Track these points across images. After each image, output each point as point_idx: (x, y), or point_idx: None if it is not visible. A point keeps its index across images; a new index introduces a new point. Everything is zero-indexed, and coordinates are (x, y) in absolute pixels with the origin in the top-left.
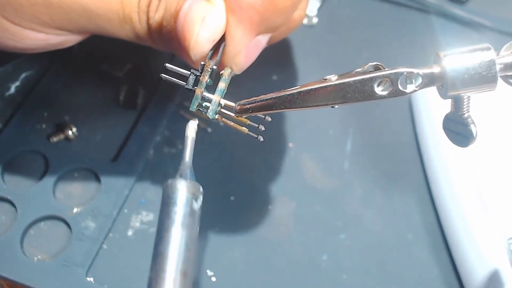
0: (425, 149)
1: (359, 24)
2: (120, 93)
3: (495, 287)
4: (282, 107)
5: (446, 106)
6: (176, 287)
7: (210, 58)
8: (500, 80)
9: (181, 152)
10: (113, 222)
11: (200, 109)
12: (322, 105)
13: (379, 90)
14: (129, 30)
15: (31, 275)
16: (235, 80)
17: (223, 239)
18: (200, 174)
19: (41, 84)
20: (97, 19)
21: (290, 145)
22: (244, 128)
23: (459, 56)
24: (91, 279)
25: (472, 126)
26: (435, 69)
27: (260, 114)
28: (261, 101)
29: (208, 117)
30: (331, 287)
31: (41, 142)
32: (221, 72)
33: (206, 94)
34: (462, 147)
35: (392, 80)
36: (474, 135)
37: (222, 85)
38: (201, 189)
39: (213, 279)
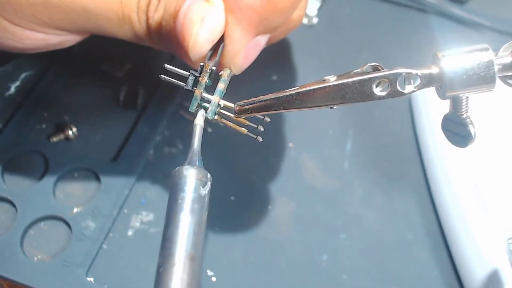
0: (425, 149)
1: (359, 24)
2: (120, 93)
3: (495, 287)
4: (281, 107)
5: (445, 107)
6: (185, 271)
7: (209, 59)
8: (498, 81)
9: (181, 152)
10: (113, 222)
11: (200, 109)
12: (321, 106)
13: (377, 90)
14: (129, 30)
15: (31, 275)
16: (234, 80)
17: (223, 239)
18: None
19: (41, 84)
20: (96, 19)
21: (290, 145)
22: (243, 128)
23: (457, 57)
24: (91, 279)
25: (470, 126)
26: (434, 70)
27: (259, 115)
28: (260, 101)
29: (207, 117)
30: (331, 287)
31: (41, 142)
32: (220, 73)
33: (205, 95)
34: (460, 147)
35: (391, 80)
36: (473, 136)
37: (221, 85)
38: (209, 175)
39: (213, 279)
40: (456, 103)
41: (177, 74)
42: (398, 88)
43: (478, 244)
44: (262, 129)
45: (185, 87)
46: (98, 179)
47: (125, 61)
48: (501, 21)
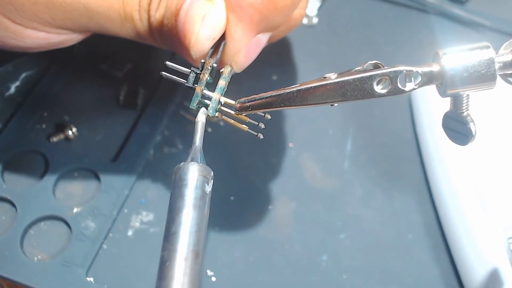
0: (425, 149)
1: (359, 24)
2: (120, 93)
3: (495, 286)
4: (282, 105)
5: (445, 106)
6: (188, 266)
7: (211, 57)
8: (499, 79)
9: (181, 152)
10: (113, 222)
11: (200, 107)
12: (321, 103)
13: (378, 88)
14: (130, 29)
15: (31, 275)
16: (234, 79)
17: (223, 239)
18: None
19: (41, 84)
20: (98, 17)
21: (290, 145)
22: (244, 125)
23: (458, 55)
24: (91, 279)
25: (471, 124)
26: (434, 68)
27: (260, 112)
28: (261, 99)
29: (208, 115)
30: (331, 287)
31: (41, 142)
32: (221, 70)
33: (206, 92)
34: (461, 145)
35: (392, 78)
36: (473, 134)
37: (222, 83)
38: (211, 173)
39: (213, 279)
40: (456, 101)
41: (178, 71)
42: (399, 85)
43: (478, 244)
44: (263, 126)
45: (186, 84)
46: (98, 179)
47: (125, 61)
48: (501, 21)
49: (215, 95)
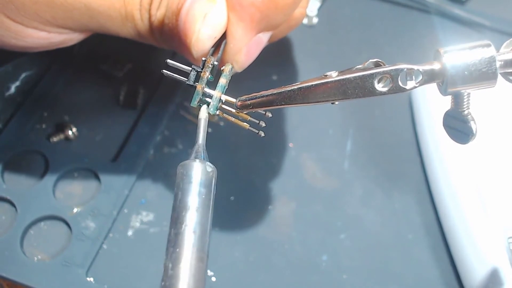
0: (425, 149)
1: (359, 24)
2: (120, 93)
3: (495, 286)
4: (283, 103)
5: (446, 106)
6: (193, 266)
7: (212, 55)
8: (499, 77)
9: (181, 152)
10: (113, 222)
11: (201, 105)
12: (322, 101)
13: (379, 86)
14: (131, 28)
15: (31, 275)
16: (234, 79)
17: (223, 239)
18: None
19: (41, 84)
20: (99, 17)
21: (290, 145)
22: (245, 123)
23: (459, 53)
24: (91, 279)
25: (472, 123)
26: (435, 66)
27: (260, 110)
28: (262, 97)
29: (209, 113)
30: (331, 287)
31: (41, 142)
32: (222, 68)
33: (207, 90)
34: (461, 144)
35: (393, 76)
36: (474, 132)
37: (223, 81)
38: (215, 170)
39: (213, 279)
40: (457, 100)
41: (179, 69)
42: (400, 84)
43: (478, 244)
44: (263, 124)
45: (187, 82)
46: (98, 179)
47: (125, 61)
48: (501, 21)
49: (216, 93)
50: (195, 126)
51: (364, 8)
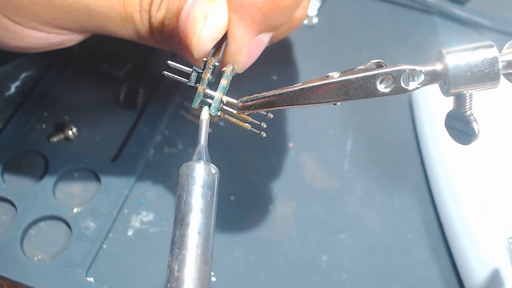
0: (425, 149)
1: (359, 24)
2: (120, 93)
3: (496, 286)
4: (284, 104)
5: (446, 106)
6: (198, 267)
7: (213, 56)
8: (502, 78)
9: (181, 152)
10: (113, 222)
11: (202, 106)
12: (324, 102)
13: (381, 87)
14: (131, 29)
15: (31, 275)
16: (235, 79)
17: (223, 239)
18: None
19: (41, 84)
20: (99, 18)
21: (290, 145)
22: (247, 124)
23: (461, 54)
24: (91, 279)
25: (474, 123)
26: (438, 67)
27: (262, 111)
28: (263, 97)
29: (210, 114)
30: (331, 287)
31: (41, 142)
32: (223, 69)
33: (208, 91)
34: (464, 145)
35: (395, 77)
36: (476, 133)
37: (224, 82)
38: (217, 171)
39: (213, 279)
40: (460, 100)
41: (180, 70)
42: (402, 84)
43: (479, 244)
44: (265, 125)
45: (188, 84)
46: (98, 179)
47: (125, 61)
48: (501, 21)
49: (217, 94)
50: (195, 126)
51: (364, 8)
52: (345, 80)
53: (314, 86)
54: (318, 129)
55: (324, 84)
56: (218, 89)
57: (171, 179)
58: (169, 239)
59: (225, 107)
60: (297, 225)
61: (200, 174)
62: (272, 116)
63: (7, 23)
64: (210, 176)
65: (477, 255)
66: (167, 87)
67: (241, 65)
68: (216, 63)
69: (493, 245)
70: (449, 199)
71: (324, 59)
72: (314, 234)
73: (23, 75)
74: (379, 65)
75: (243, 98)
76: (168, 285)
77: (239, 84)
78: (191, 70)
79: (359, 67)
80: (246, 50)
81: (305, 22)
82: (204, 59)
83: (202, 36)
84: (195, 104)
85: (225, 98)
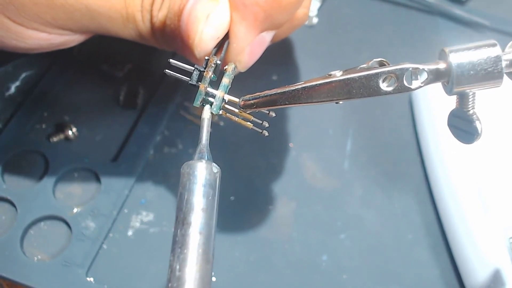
0: (426, 149)
1: (359, 24)
2: (120, 93)
3: (496, 286)
4: (287, 102)
5: (447, 106)
6: (199, 267)
7: (214, 55)
8: (504, 77)
9: (181, 152)
10: (113, 222)
11: (204, 104)
12: (326, 101)
13: (384, 86)
14: (132, 30)
15: (31, 275)
16: (235, 79)
17: (223, 239)
18: None
19: (41, 84)
20: (100, 18)
21: (290, 145)
22: (248, 123)
23: (465, 52)
24: (91, 279)
25: (477, 122)
26: (441, 65)
27: (264, 110)
28: (266, 96)
29: (212, 112)
30: (331, 287)
31: (41, 142)
32: (224, 68)
33: (210, 90)
34: (466, 144)
35: (398, 76)
36: (479, 132)
37: (225, 80)
38: (219, 170)
39: (213, 279)
40: (462, 99)
41: (182, 69)
42: (405, 83)
43: (479, 244)
44: (267, 124)
45: (190, 82)
46: (98, 179)
47: (125, 61)
48: (501, 21)
49: (219, 93)
50: (195, 126)
51: (364, 8)
52: (347, 79)
53: (316, 84)
54: (318, 129)
55: (327, 82)
56: (220, 87)
57: (171, 179)
58: (169, 239)
59: (227, 106)
60: (297, 225)
61: (202, 173)
62: (274, 114)
63: (8, 24)
64: (212, 175)
65: (478, 255)
66: (167, 87)
67: (244, 64)
68: (218, 62)
69: (494, 245)
70: (449, 199)
71: (324, 59)
72: (314, 234)
73: (23, 75)
74: (381, 64)
75: (245, 97)
76: (170, 284)
77: (239, 84)
78: (193, 68)
79: (362, 66)
80: (248, 49)
81: (305, 22)
82: (206, 58)
83: (204, 35)
84: (197, 103)
85: (227, 97)
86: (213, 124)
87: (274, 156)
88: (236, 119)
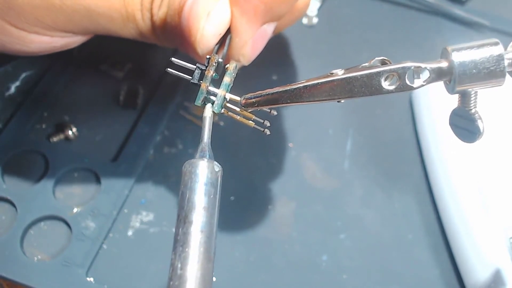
0: (426, 149)
1: (359, 24)
2: (120, 93)
3: (497, 286)
4: (288, 101)
5: (447, 105)
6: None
7: (217, 52)
8: (507, 76)
9: (181, 152)
10: (113, 222)
11: (206, 103)
12: (328, 99)
13: (386, 84)
14: (133, 29)
15: (31, 275)
16: (236, 79)
17: (223, 239)
18: None
19: (41, 84)
20: (99, 19)
21: (290, 145)
22: (250, 121)
23: (467, 51)
24: (91, 279)
25: (479, 121)
26: (443, 64)
27: (265, 108)
28: (267, 94)
29: (213, 111)
30: (331, 287)
31: (41, 142)
32: (226, 66)
33: (212, 89)
34: (468, 143)
35: (399, 74)
36: (481, 131)
37: (227, 79)
38: (221, 168)
39: (213, 279)
40: (464, 98)
41: (183, 67)
42: (407, 82)
43: (479, 244)
44: (268, 124)
45: (191, 81)
46: (98, 179)
47: (125, 61)
48: (501, 21)
49: (220, 92)
50: (195, 126)
51: (364, 8)
52: (349, 77)
53: (318, 83)
54: (318, 129)
55: (328, 81)
56: (221, 86)
57: (171, 179)
58: (169, 239)
59: (228, 105)
60: (297, 225)
61: (204, 172)
62: (275, 113)
63: (10, 29)
64: (214, 173)
65: (478, 255)
66: (167, 87)
67: (247, 57)
68: (220, 60)
69: (494, 245)
70: (449, 199)
71: (324, 59)
72: (314, 234)
73: (23, 75)
74: (383, 63)
75: (247, 95)
76: (171, 282)
77: (239, 84)
78: (195, 67)
79: (364, 65)
80: (250, 43)
81: (305, 22)
82: (207, 56)
83: (205, 32)
84: (198, 102)
85: (228, 96)
86: (213, 124)
87: (274, 156)
88: (238, 117)
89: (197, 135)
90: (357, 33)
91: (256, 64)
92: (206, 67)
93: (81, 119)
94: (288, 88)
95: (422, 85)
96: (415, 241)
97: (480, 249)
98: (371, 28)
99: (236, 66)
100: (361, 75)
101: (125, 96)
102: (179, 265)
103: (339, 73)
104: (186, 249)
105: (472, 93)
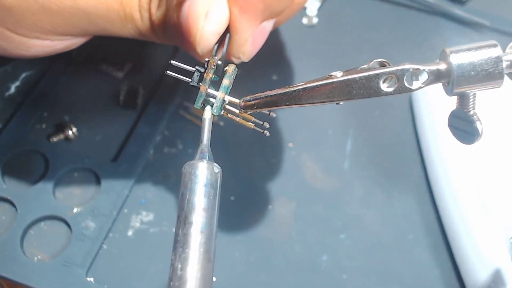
0: (426, 148)
1: (359, 24)
2: (120, 93)
3: (497, 286)
4: (287, 103)
5: (447, 106)
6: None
7: (217, 50)
8: (505, 78)
9: (181, 152)
10: (113, 222)
11: (205, 105)
12: (327, 102)
13: (384, 86)
14: (132, 29)
15: (31, 275)
16: (235, 80)
17: (223, 239)
18: None
19: (41, 84)
20: (98, 20)
21: (290, 145)
22: (250, 123)
23: (465, 53)
24: (91, 279)
25: (478, 123)
26: (441, 66)
27: (264, 111)
28: (266, 97)
29: (213, 114)
30: (331, 287)
31: (41, 142)
32: (225, 69)
33: (211, 91)
34: (467, 144)
35: (398, 76)
36: (480, 133)
37: (226, 81)
38: (220, 170)
39: (213, 279)
40: (463, 100)
41: (183, 70)
42: (406, 84)
43: (480, 244)
44: (267, 125)
45: (191, 83)
46: (98, 179)
47: (125, 61)
48: (501, 21)
49: (220, 94)
50: (195, 126)
51: (364, 8)
52: (348, 80)
53: (317, 85)
54: (318, 129)
55: (327, 83)
56: (220, 89)
57: (171, 179)
58: (169, 239)
59: (227, 107)
60: (297, 225)
61: (203, 173)
62: (274, 115)
63: (10, 36)
64: (213, 175)
65: (478, 255)
66: (167, 87)
67: (248, 55)
68: (219, 62)
69: (494, 245)
70: (449, 199)
71: (324, 59)
72: (314, 234)
73: (23, 75)
74: (382, 65)
75: (246, 98)
76: (171, 283)
77: (239, 84)
78: (194, 69)
79: (362, 66)
80: (250, 40)
81: (305, 22)
82: (206, 59)
83: (205, 32)
84: (198, 105)
85: (228, 98)
86: (213, 124)
87: (274, 156)
88: (237, 119)
89: (197, 135)
90: (357, 33)
91: (256, 64)
92: (205, 69)
93: (81, 119)
94: (286, 90)
95: (421, 87)
96: (415, 241)
97: (480, 249)
98: (371, 28)
99: (235, 69)
100: (359, 77)
101: (125, 96)
102: (179, 266)
103: (338, 75)
104: (186, 250)
105: (470, 94)
